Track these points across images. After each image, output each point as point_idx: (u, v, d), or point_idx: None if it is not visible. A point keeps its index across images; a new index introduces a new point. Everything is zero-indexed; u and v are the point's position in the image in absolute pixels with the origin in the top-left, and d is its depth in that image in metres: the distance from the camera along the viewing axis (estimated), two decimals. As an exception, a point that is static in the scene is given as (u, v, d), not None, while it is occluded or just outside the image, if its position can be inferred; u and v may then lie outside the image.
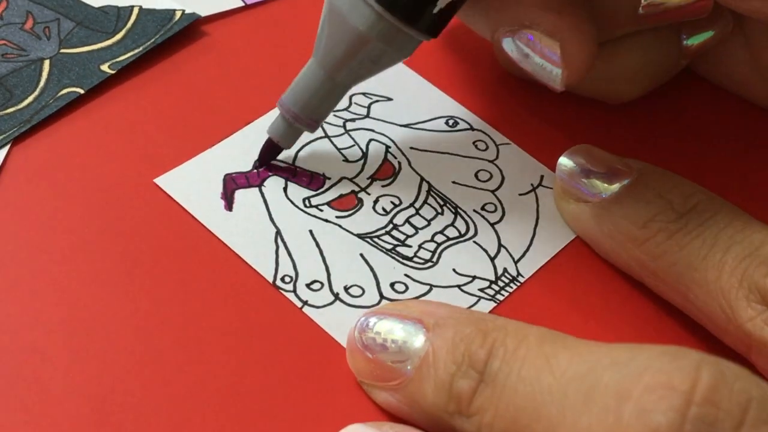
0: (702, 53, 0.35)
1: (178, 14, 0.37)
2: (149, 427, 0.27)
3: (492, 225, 0.32)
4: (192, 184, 0.32)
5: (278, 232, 0.31)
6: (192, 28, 0.37)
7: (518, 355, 0.25)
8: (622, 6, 0.32)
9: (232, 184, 0.32)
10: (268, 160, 0.33)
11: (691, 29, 0.34)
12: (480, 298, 0.30)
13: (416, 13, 0.29)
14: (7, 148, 0.33)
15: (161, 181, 0.32)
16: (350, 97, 0.35)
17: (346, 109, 0.35)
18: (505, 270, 0.31)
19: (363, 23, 0.29)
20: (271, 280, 0.30)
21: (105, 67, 0.35)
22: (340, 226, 0.32)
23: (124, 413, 0.27)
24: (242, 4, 0.38)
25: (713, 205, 0.29)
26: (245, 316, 0.30)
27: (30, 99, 0.34)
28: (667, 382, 0.22)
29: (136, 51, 0.35)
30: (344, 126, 0.34)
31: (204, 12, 0.37)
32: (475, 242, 0.32)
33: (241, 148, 0.33)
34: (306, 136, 0.34)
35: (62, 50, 0.35)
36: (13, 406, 0.27)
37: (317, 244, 0.31)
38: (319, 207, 0.32)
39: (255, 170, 0.33)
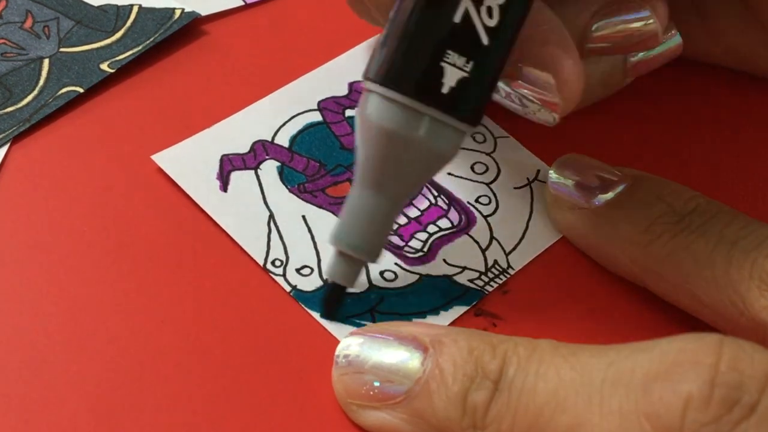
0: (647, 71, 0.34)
1: (178, 13, 0.37)
2: (145, 408, 0.27)
3: (485, 217, 0.32)
4: (188, 162, 0.32)
5: (271, 216, 0.31)
6: (192, 26, 0.37)
7: (534, 359, 0.25)
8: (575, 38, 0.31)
9: (228, 165, 0.32)
10: (335, 308, 0.29)
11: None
12: (469, 288, 0.30)
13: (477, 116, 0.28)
14: (6, 146, 0.33)
15: (158, 157, 0.32)
16: (350, 84, 0.35)
17: (345, 96, 0.35)
18: (495, 262, 0.31)
19: (449, 147, 0.28)
20: (261, 263, 0.30)
21: (104, 66, 0.35)
22: (333, 212, 0.32)
23: (121, 402, 0.27)
24: (242, 3, 0.38)
25: (712, 207, 0.30)
26: (234, 299, 0.30)
27: (29, 98, 0.34)
28: (693, 358, 0.23)
29: (136, 50, 0.35)
30: (343, 113, 0.34)
31: (204, 11, 0.37)
32: (467, 234, 0.32)
33: (238, 130, 0.33)
34: (304, 120, 0.34)
35: (62, 49, 0.36)
36: (13, 406, 0.27)
37: (309, 230, 0.31)
38: (314, 193, 0.32)
39: (252, 153, 0.33)
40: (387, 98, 0.27)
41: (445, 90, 0.26)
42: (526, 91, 0.29)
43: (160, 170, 0.32)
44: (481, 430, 0.25)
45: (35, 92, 0.34)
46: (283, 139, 0.33)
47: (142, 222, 0.31)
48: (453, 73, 0.26)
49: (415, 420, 0.26)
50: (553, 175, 0.32)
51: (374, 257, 0.29)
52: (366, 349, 0.27)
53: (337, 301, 0.29)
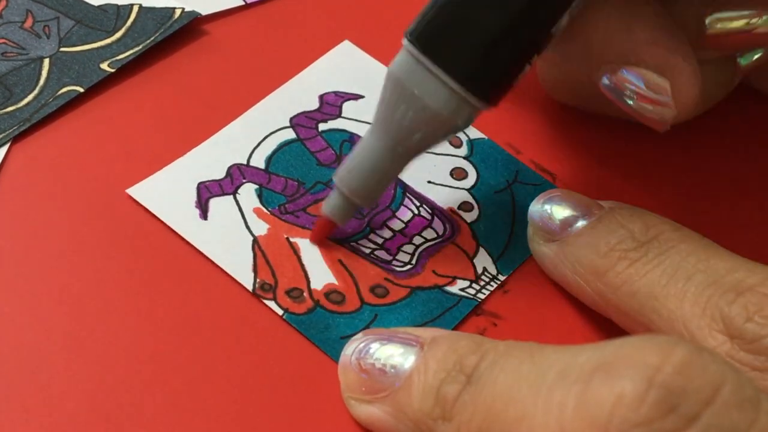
0: (754, 70, 0.33)
1: (178, 12, 0.37)
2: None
3: (469, 225, 0.32)
4: (165, 193, 0.32)
5: (255, 240, 0.31)
6: (192, 26, 0.37)
7: (507, 354, 0.25)
8: (690, 31, 0.30)
9: (206, 193, 0.32)
10: (323, 239, 0.31)
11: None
12: (462, 297, 0.30)
13: (498, 93, 0.29)
14: (6, 146, 0.33)
15: (134, 191, 0.32)
16: (321, 97, 0.35)
17: (317, 110, 0.35)
18: (484, 269, 0.31)
19: (448, 109, 0.28)
20: (250, 288, 0.30)
21: (105, 66, 0.35)
22: (317, 231, 0.32)
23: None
24: (242, 3, 0.38)
25: (677, 235, 0.28)
26: (226, 327, 0.29)
27: (30, 98, 0.34)
28: (641, 356, 0.22)
29: (136, 49, 0.35)
30: (316, 128, 0.34)
31: (204, 10, 0.37)
32: (453, 243, 0.32)
33: (212, 155, 0.33)
34: (277, 139, 0.33)
35: (62, 49, 0.35)
36: (12, 406, 0.27)
37: (295, 251, 0.31)
38: (295, 213, 0.32)
39: (228, 178, 0.32)
40: (405, 49, 0.28)
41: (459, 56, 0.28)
42: (633, 87, 0.29)
43: (162, 171, 0.32)
44: (448, 421, 0.25)
45: (35, 92, 0.34)
46: (259, 161, 0.33)
47: (142, 222, 0.31)
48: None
49: (398, 414, 0.26)
50: (537, 207, 0.31)
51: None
52: (369, 347, 0.27)
53: (327, 234, 0.31)
